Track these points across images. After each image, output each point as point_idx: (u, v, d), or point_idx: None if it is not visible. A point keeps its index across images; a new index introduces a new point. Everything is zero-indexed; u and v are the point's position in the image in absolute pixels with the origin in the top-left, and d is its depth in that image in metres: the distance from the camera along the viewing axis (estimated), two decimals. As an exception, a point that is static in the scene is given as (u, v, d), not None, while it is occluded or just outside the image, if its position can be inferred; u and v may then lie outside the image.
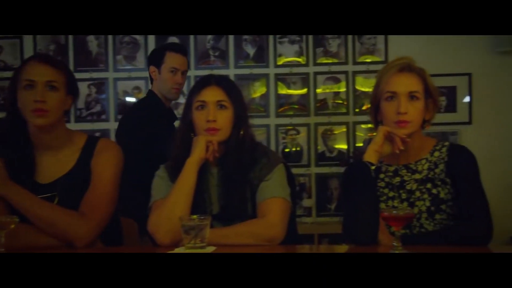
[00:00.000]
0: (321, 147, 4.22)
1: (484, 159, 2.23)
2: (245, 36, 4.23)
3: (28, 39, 4.32)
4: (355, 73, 4.21)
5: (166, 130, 2.98)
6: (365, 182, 1.93)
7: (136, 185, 2.44)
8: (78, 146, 2.14)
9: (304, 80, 4.24)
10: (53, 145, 2.10)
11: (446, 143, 2.05)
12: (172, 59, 3.19)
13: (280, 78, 4.25)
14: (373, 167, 1.93)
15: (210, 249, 1.75)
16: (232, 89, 2.10)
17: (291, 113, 4.24)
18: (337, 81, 4.22)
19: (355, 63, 4.21)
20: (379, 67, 2.09)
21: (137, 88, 4.27)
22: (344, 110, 4.21)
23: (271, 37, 4.23)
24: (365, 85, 4.16)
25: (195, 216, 1.78)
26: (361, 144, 4.16)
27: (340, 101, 4.22)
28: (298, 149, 4.24)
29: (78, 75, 3.81)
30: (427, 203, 1.97)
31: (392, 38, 4.17)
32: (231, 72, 4.20)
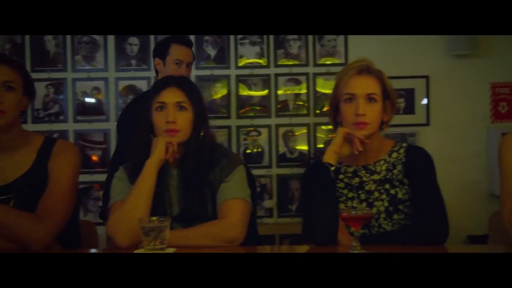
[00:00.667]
0: (282, 148, 4.24)
1: (441, 159, 2.27)
2: (206, 37, 4.22)
3: (-18, 39, 4.22)
4: (315, 75, 4.24)
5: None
6: (325, 183, 1.94)
7: None
8: (34, 148, 2.10)
9: (265, 81, 4.25)
10: (9, 146, 2.06)
11: (404, 144, 2.08)
12: (177, 51, 3.17)
13: (241, 79, 4.25)
14: (332, 168, 1.95)
15: (170, 251, 1.74)
16: (192, 91, 2.10)
17: (252, 114, 4.25)
18: (298, 82, 4.25)
19: (316, 65, 4.25)
20: (339, 69, 2.11)
21: (96, 88, 4.21)
22: (305, 112, 4.24)
23: (232, 39, 4.23)
24: (325, 87, 4.19)
25: (154, 218, 1.77)
26: (322, 145, 4.20)
27: (301, 103, 4.25)
28: (259, 150, 4.25)
29: (35, 75, 3.79)
30: (386, 204, 2.00)
31: (352, 40, 4.22)
32: (192, 73, 4.16)
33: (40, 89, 4.12)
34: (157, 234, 1.72)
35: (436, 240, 1.86)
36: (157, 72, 3.26)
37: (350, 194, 2.05)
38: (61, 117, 4.21)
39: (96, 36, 4.22)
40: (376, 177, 2.04)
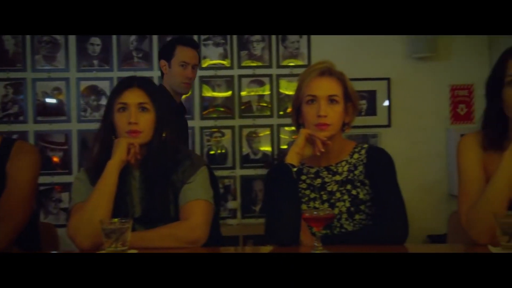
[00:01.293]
0: (245, 150, 4.25)
1: (402, 160, 2.31)
2: (169, 38, 4.19)
3: None
4: (279, 76, 4.26)
5: (177, 125, 2.97)
6: (287, 184, 1.95)
7: None
8: (-8, 149, 2.06)
9: (229, 82, 4.25)
10: (-35, 147, 2.02)
11: (365, 145, 2.11)
12: (182, 53, 3.16)
13: (204, 80, 4.24)
14: (294, 169, 1.96)
15: (132, 252, 1.73)
16: (154, 91, 2.08)
17: (215, 115, 4.24)
18: (262, 84, 4.26)
19: (279, 66, 4.27)
20: (302, 70, 2.12)
21: (57, 89, 4.15)
22: (268, 113, 4.26)
23: (195, 39, 4.21)
24: (288, 88, 4.21)
25: (116, 220, 1.76)
26: (285, 147, 4.22)
27: (265, 104, 4.26)
28: (223, 151, 4.25)
29: (-7, 75, 3.72)
30: (347, 204, 2.02)
31: (315, 42, 4.26)
32: (156, 74, 4.16)
33: (-1, 89, 4.04)
34: (119, 236, 1.71)
35: (396, 240, 1.89)
36: (162, 74, 3.25)
37: (312, 195, 2.06)
38: (21, 118, 4.13)
39: (57, 36, 4.15)
40: (338, 178, 2.06)
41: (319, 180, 2.07)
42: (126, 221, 1.74)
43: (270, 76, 4.26)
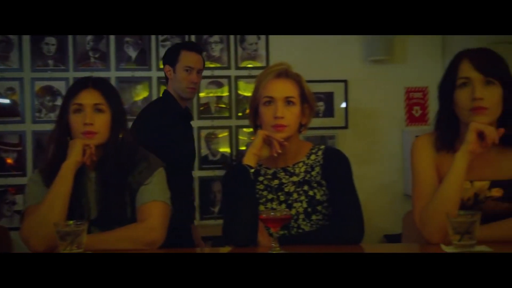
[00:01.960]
0: (204, 151, 4.24)
1: (359, 161, 2.35)
2: (127, 38, 4.16)
3: None
4: (237, 77, 4.26)
5: (183, 132, 3.02)
6: (244, 185, 1.96)
7: None
8: None
9: (187, 84, 4.22)
10: None
11: (322, 147, 2.13)
12: (187, 58, 3.13)
13: (163, 81, 4.19)
14: (252, 170, 1.97)
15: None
16: (110, 92, 2.07)
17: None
18: (220, 85, 4.26)
19: (238, 68, 4.27)
20: (260, 72, 2.13)
21: (11, 89, 4.05)
22: (227, 114, 4.26)
23: (153, 40, 4.18)
24: (247, 90, 4.22)
25: (71, 222, 1.74)
26: (244, 148, 4.22)
27: (223, 105, 4.26)
28: (181, 152, 4.21)
29: None
30: (304, 205, 2.03)
31: (273, 44, 4.27)
32: (113, 74, 4.11)
33: (-51, 88, 3.93)
34: (74, 238, 1.68)
35: (351, 240, 1.91)
36: (167, 79, 3.22)
37: (270, 196, 2.08)
38: (-27, 118, 4.02)
39: (10, 35, 4.06)
40: (295, 178, 2.07)
41: (276, 181, 2.08)
42: (82, 223, 1.71)
43: (228, 77, 4.26)
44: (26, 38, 4.06)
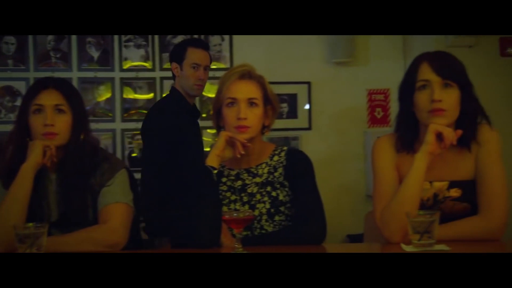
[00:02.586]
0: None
1: (322, 162, 2.37)
2: (89, 38, 4.11)
3: None
4: (201, 78, 4.24)
5: (191, 130, 3.04)
6: (208, 186, 1.96)
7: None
8: None
9: (151, 84, 4.20)
10: None
11: (285, 148, 2.15)
12: (193, 55, 3.13)
13: (126, 82, 4.18)
14: (215, 171, 1.97)
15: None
16: (71, 93, 2.05)
17: (137, 117, 4.18)
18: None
19: (202, 69, 4.25)
20: (224, 73, 2.14)
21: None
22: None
23: (116, 41, 4.14)
24: (211, 91, 4.19)
25: (31, 224, 1.71)
26: (208, 149, 4.21)
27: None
28: (144, 154, 4.18)
29: None
30: (267, 206, 2.05)
31: (237, 45, 4.27)
32: (75, 75, 4.06)
33: None
34: (34, 240, 1.66)
35: (313, 240, 1.93)
36: (174, 76, 3.20)
37: (233, 197, 2.08)
38: None
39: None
40: (258, 179, 2.08)
41: (239, 182, 2.09)
42: (42, 226, 1.69)
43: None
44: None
